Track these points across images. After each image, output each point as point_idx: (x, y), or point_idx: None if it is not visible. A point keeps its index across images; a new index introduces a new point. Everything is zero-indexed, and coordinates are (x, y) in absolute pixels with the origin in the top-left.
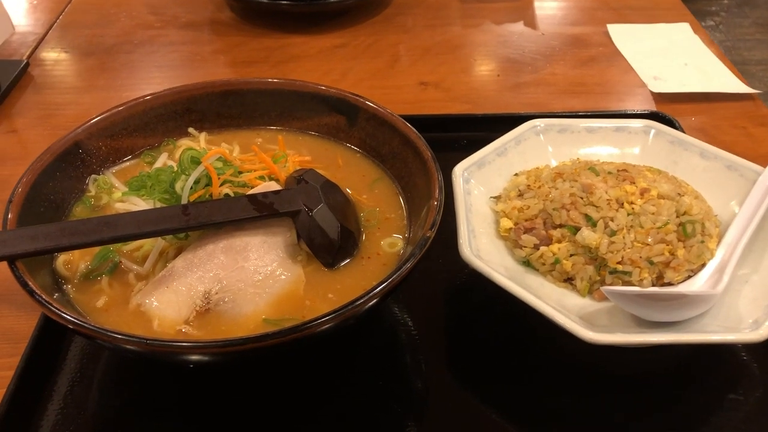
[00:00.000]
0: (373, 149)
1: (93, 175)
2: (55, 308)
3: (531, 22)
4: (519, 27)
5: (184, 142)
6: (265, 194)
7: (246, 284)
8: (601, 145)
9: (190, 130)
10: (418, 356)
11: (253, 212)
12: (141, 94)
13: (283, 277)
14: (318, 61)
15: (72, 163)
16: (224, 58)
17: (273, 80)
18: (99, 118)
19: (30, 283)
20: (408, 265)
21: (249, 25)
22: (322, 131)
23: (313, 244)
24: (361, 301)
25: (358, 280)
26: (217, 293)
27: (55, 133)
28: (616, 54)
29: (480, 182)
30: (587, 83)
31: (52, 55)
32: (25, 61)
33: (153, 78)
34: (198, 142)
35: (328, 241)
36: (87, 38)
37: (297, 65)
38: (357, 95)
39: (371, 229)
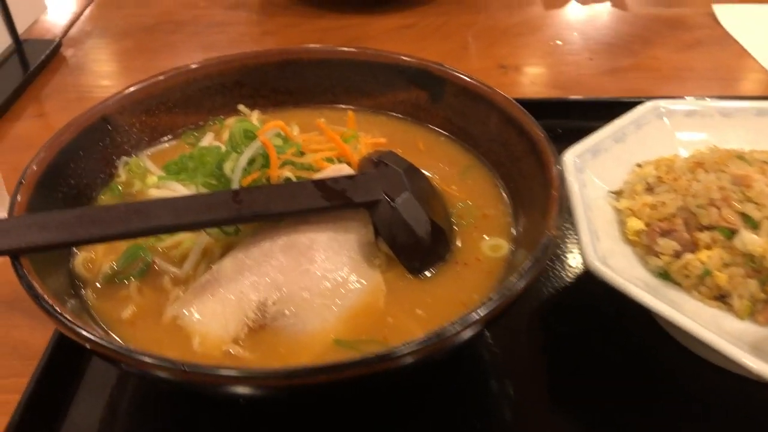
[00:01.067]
0: (462, 131)
1: (124, 158)
2: (68, 320)
3: (620, 2)
4: (606, 7)
5: (233, 122)
6: (335, 179)
7: (312, 293)
8: (740, 130)
9: (240, 107)
10: (510, 385)
11: (322, 201)
12: None
13: (358, 285)
14: (381, 44)
15: (99, 141)
16: (275, 39)
17: (339, 48)
18: (133, 89)
19: (37, 286)
20: (529, 275)
21: (302, 4)
22: (399, 109)
23: (396, 243)
24: (473, 320)
25: (453, 292)
26: (275, 304)
27: None
28: (726, 37)
29: (595, 173)
30: (696, 68)
31: (86, 35)
32: (58, 41)
33: (195, 60)
34: (249, 121)
35: (414, 239)
36: (125, 17)
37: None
38: (442, 65)
39: (466, 228)
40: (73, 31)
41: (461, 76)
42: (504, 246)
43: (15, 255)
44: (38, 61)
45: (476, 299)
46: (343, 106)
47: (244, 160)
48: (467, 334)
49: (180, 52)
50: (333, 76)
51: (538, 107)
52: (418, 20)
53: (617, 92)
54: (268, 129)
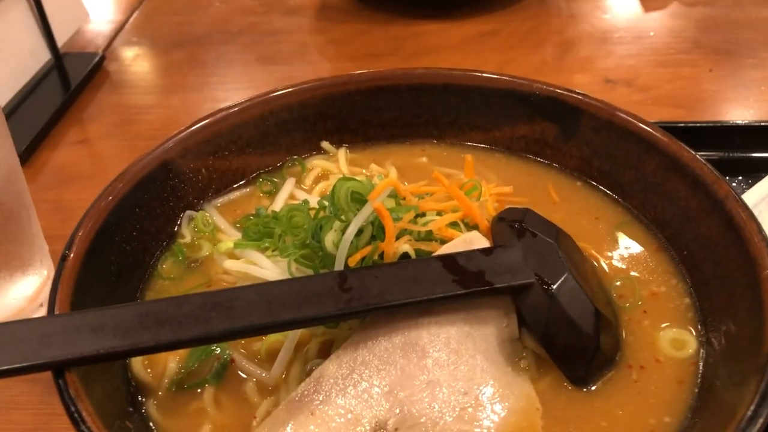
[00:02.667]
0: (606, 176)
1: (188, 212)
2: None
3: (734, 2)
4: (720, 10)
5: (318, 163)
6: (468, 255)
7: (445, 414)
8: None
9: (324, 144)
10: None
11: (454, 287)
12: (243, 96)
13: (506, 403)
14: (463, 53)
15: (158, 193)
16: (342, 49)
17: (442, 71)
18: (197, 127)
19: (80, 407)
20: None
21: (371, 9)
22: (518, 146)
23: (555, 344)
24: None
25: (634, 410)
26: (397, 429)
27: (134, 145)
28: None
29: None
30: None
31: (132, 47)
32: (101, 54)
33: (254, 73)
34: (336, 161)
35: (580, 340)
36: (173, 26)
37: (436, 58)
38: (575, 91)
39: (631, 314)
40: (117, 42)
41: (601, 105)
42: (690, 341)
43: (60, 369)
44: (80, 78)
45: (669, 423)
46: (449, 142)
47: (352, 231)
48: None
49: (236, 65)
50: (435, 106)
51: (684, 135)
52: (501, 26)
53: (756, 111)
54: (381, 191)
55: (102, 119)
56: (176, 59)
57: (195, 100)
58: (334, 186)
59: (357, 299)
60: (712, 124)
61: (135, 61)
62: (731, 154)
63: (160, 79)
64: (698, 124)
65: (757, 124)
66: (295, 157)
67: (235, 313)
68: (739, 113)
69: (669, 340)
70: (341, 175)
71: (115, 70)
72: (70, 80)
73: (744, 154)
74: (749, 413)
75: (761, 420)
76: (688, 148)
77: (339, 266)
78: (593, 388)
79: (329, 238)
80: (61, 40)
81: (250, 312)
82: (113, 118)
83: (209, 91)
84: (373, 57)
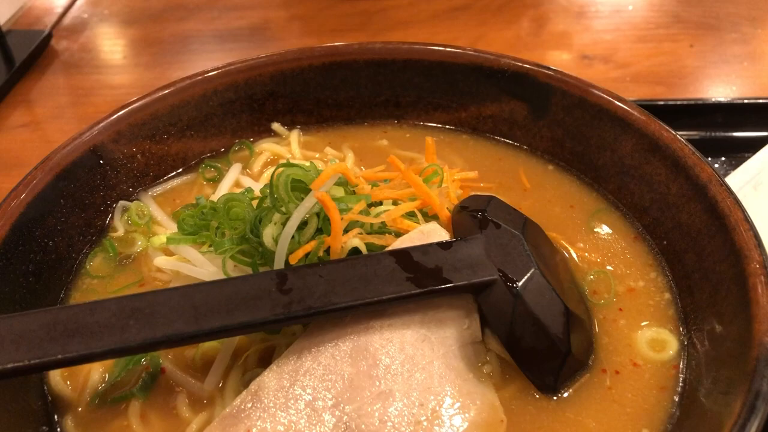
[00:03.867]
0: (580, 159)
1: (122, 202)
2: None
3: None
4: None
5: (267, 146)
6: (425, 249)
7: (397, 429)
8: None
9: (275, 126)
10: None
11: (408, 287)
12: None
13: (466, 414)
14: (433, 29)
15: (86, 182)
16: (305, 26)
17: (404, 46)
18: (131, 108)
19: None
20: (756, 413)
21: None
22: (486, 127)
23: (521, 348)
24: None
25: (608, 423)
26: None
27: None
28: None
29: (756, 214)
30: None
31: (82, 24)
32: (48, 32)
33: (212, 52)
34: (287, 145)
35: (547, 342)
36: (127, 2)
37: (405, 33)
38: (546, 67)
39: (606, 311)
40: (67, 19)
41: (575, 83)
42: (671, 342)
43: None
44: (24, 56)
45: None
46: (411, 122)
47: (293, 225)
48: None
49: (194, 44)
50: (396, 83)
51: (663, 114)
52: (473, 0)
53: (737, 88)
54: (327, 179)
55: (49, 101)
56: (130, 37)
57: (149, 80)
58: (273, 174)
59: (298, 302)
60: (693, 102)
61: (86, 39)
62: (713, 134)
63: (112, 58)
64: (678, 102)
65: (739, 101)
66: (243, 140)
67: (156, 321)
68: (721, 90)
69: (647, 341)
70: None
71: (64, 49)
72: (14, 59)
73: (726, 134)
74: (736, 427)
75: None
76: (667, 128)
77: (279, 264)
78: (564, 395)
79: (268, 233)
80: (3, 16)
81: (174, 319)
82: (61, 99)
83: (163, 70)
84: (338, 33)
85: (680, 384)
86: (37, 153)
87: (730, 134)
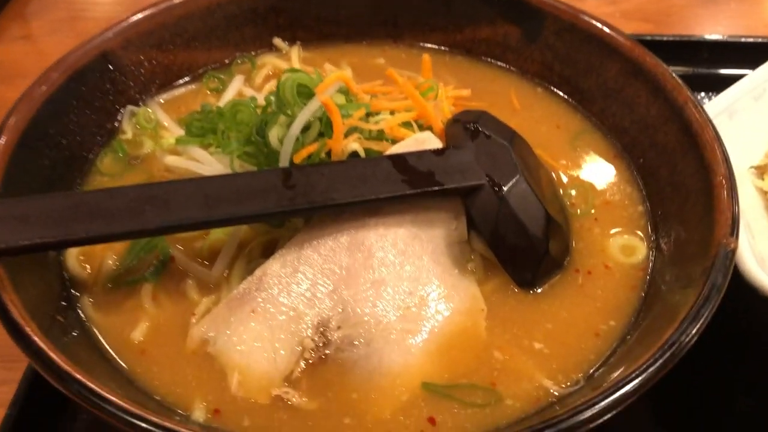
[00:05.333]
0: (568, 82)
1: (130, 107)
2: (46, 359)
3: None
4: None
5: (269, 60)
6: (419, 155)
7: (389, 313)
8: None
9: (276, 41)
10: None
11: (402, 187)
12: None
13: (450, 303)
14: None
15: (97, 86)
16: None
17: None
18: (139, 17)
19: (6, 301)
20: (706, 311)
21: None
22: (480, 50)
23: (503, 246)
24: (644, 373)
25: (579, 314)
26: (340, 328)
27: None
28: None
29: (732, 141)
30: None
31: None
32: None
33: None
34: (288, 59)
35: (528, 242)
36: None
37: None
38: None
39: (583, 221)
40: None
41: (566, 8)
42: (640, 248)
43: None
44: None
45: (614, 326)
46: (408, 42)
47: (297, 126)
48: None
49: None
50: (395, 4)
51: (650, 49)
52: None
53: (724, 28)
54: (330, 84)
55: (46, 14)
56: None
57: None
58: (280, 78)
59: (301, 196)
60: (679, 38)
61: None
62: (697, 70)
63: None
64: (665, 39)
65: (724, 39)
66: (245, 53)
67: (171, 207)
68: (708, 29)
69: (619, 247)
70: None
71: None
72: None
73: (711, 71)
74: (691, 312)
75: (702, 320)
76: (650, 53)
77: (284, 163)
78: (539, 291)
79: (274, 134)
80: None
81: (187, 206)
82: (59, 13)
83: None
84: None
85: (646, 283)
86: (37, 65)
87: (714, 71)
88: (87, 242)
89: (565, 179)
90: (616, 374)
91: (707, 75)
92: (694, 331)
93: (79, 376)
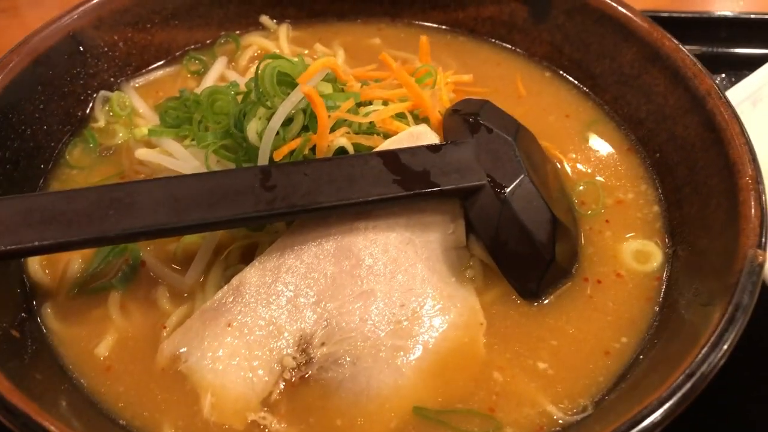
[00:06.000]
0: (578, 66)
1: (102, 92)
2: None
3: None
4: None
5: (254, 40)
6: (413, 151)
7: (378, 328)
8: None
9: (263, 19)
10: None
11: (394, 188)
12: None
13: (446, 316)
14: None
15: (66, 69)
16: None
17: None
18: None
19: None
20: (732, 332)
21: None
22: (484, 30)
23: (505, 254)
24: (660, 407)
25: (588, 329)
26: (323, 344)
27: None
28: None
29: (757, 131)
30: None
31: None
32: None
33: None
34: (276, 39)
35: (532, 248)
36: None
37: None
38: None
39: (593, 222)
40: None
41: None
42: (655, 254)
43: None
44: None
45: (627, 343)
46: (406, 21)
47: (278, 120)
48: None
49: None
50: None
51: (666, 26)
52: None
53: (743, 3)
54: (315, 73)
55: None
56: None
57: None
58: (258, 66)
59: (281, 199)
60: (697, 15)
61: None
62: (715, 50)
63: None
64: (683, 15)
65: (745, 16)
66: (229, 33)
67: (136, 212)
68: (727, 4)
69: (632, 253)
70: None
71: None
72: None
73: (729, 50)
74: (713, 338)
75: (725, 347)
76: (670, 37)
77: (263, 161)
78: (545, 302)
79: (252, 127)
80: None
81: (154, 210)
82: None
83: None
84: None
85: (661, 295)
86: (16, 39)
87: (732, 50)
88: (41, 252)
89: (573, 175)
90: (628, 405)
91: (724, 54)
92: (716, 360)
93: (26, 410)
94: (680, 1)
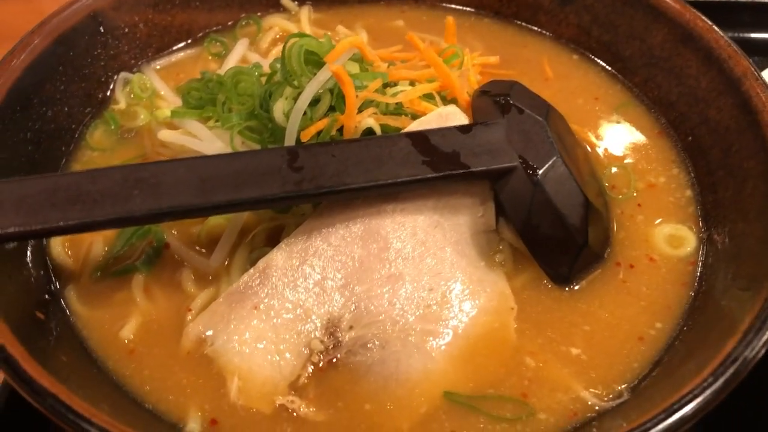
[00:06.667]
0: (607, 48)
1: (123, 73)
2: (17, 368)
3: None
4: None
5: (276, 22)
6: (443, 132)
7: (407, 312)
8: None
9: (284, 0)
10: None
11: (423, 170)
12: None
13: (476, 301)
14: None
15: (86, 50)
16: None
17: None
18: None
19: None
20: None
21: None
22: (509, 11)
23: (537, 237)
24: (702, 393)
25: (620, 314)
26: (351, 328)
27: None
28: None
29: None
30: None
31: None
32: None
33: None
34: (297, 21)
35: (565, 232)
36: None
37: None
38: None
39: (624, 206)
40: None
41: None
42: (689, 238)
43: None
44: None
45: (661, 329)
46: (430, 3)
47: (305, 100)
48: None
49: None
50: None
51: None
52: None
53: None
54: (342, 52)
55: None
56: None
57: None
58: (285, 44)
59: (309, 180)
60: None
61: None
62: (742, 35)
63: None
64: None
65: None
66: (250, 15)
67: (161, 192)
68: None
69: (665, 237)
70: None
71: None
72: None
73: (757, 35)
74: (757, 323)
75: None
76: (703, 17)
77: (290, 141)
78: (576, 287)
79: (279, 107)
80: None
81: (180, 191)
82: None
83: None
84: None
85: (696, 280)
86: (30, 24)
87: (761, 35)
88: (65, 231)
89: (603, 158)
90: (666, 391)
91: (756, 40)
92: (760, 344)
93: (54, 391)
94: None
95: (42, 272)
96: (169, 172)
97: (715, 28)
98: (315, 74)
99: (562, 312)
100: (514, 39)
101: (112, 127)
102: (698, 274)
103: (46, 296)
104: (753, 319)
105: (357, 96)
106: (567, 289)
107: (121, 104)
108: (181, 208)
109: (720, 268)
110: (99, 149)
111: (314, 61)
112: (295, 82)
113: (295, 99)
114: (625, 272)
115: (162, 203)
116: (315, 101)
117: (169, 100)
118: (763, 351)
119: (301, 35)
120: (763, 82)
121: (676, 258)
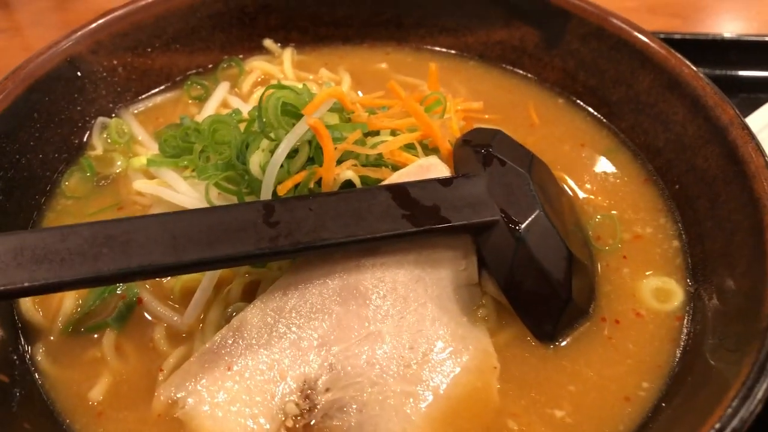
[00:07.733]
0: (593, 93)
1: (101, 118)
2: None
3: None
4: None
5: (258, 65)
6: (423, 185)
7: (386, 373)
8: None
9: (267, 43)
10: None
11: (403, 224)
12: None
13: (458, 359)
14: None
15: (63, 96)
16: None
17: None
18: (112, 17)
19: None
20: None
21: None
22: (494, 54)
23: (520, 294)
24: None
25: (607, 373)
26: (328, 390)
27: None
28: None
29: None
30: None
31: None
32: None
33: None
34: (280, 64)
35: (548, 288)
36: None
37: None
38: None
39: (609, 258)
40: None
41: (593, 10)
42: (677, 292)
43: None
44: None
45: (648, 389)
46: (414, 45)
47: (282, 153)
48: None
49: None
50: (399, 2)
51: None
52: None
53: (757, 24)
54: (320, 104)
55: (31, 4)
56: None
57: None
58: (262, 96)
59: (285, 236)
60: (711, 38)
61: None
62: (728, 72)
63: None
64: (699, 38)
65: (760, 39)
66: (232, 57)
67: (131, 250)
68: (741, 26)
69: (652, 291)
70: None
71: None
72: None
73: (744, 72)
74: (744, 389)
75: (758, 397)
76: (689, 64)
77: (266, 195)
78: (561, 344)
79: (255, 160)
80: None
81: (151, 249)
82: (44, 3)
83: None
84: None
85: (684, 337)
86: (16, 60)
87: (748, 73)
88: (32, 293)
89: (588, 207)
90: None
91: (738, 78)
92: (748, 413)
93: None
94: (693, 22)
95: (9, 331)
96: (140, 230)
97: (701, 74)
98: (293, 125)
99: (547, 371)
100: (500, 82)
101: (88, 174)
102: (686, 330)
103: (14, 356)
104: (740, 385)
105: (336, 148)
106: (552, 346)
107: (98, 150)
108: (151, 267)
109: (708, 325)
110: (74, 197)
111: (292, 113)
112: (272, 135)
113: (272, 151)
114: (611, 328)
115: (132, 262)
116: (293, 153)
117: (147, 146)
118: (751, 419)
119: (280, 86)
120: (750, 132)
121: (664, 313)
